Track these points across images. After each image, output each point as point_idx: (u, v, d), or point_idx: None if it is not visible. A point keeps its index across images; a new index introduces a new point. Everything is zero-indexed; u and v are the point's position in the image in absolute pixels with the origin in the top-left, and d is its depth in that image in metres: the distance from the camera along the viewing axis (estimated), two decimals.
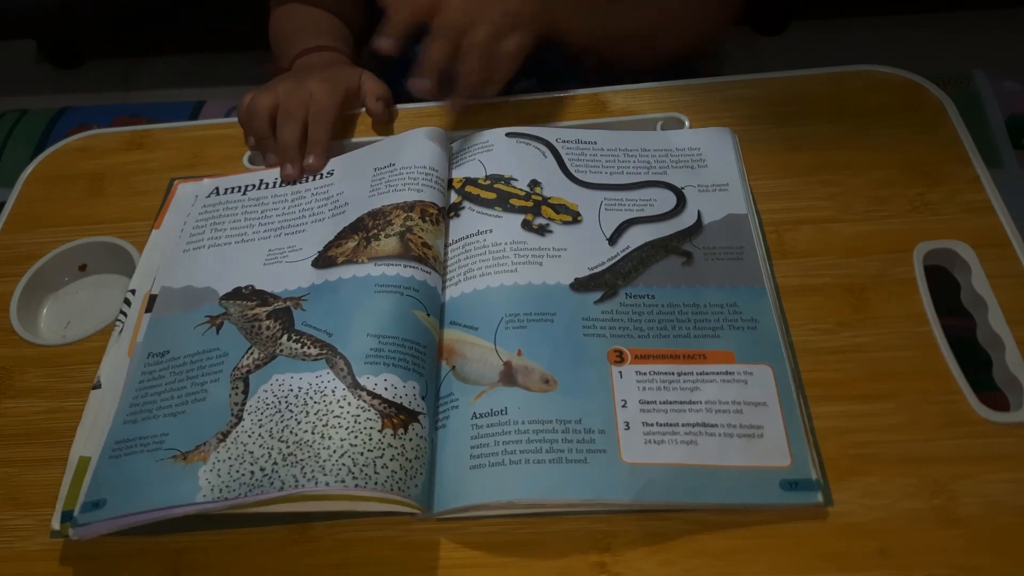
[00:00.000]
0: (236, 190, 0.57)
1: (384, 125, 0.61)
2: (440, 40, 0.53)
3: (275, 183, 0.57)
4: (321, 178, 0.57)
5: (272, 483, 0.40)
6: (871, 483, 0.41)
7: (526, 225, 0.51)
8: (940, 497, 0.40)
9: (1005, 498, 0.40)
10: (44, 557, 0.43)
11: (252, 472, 0.41)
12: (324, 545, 0.42)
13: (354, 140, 0.60)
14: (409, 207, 0.51)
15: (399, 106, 0.62)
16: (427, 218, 0.51)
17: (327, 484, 0.39)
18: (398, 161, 0.54)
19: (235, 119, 0.61)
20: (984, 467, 0.41)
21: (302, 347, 0.45)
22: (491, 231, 0.51)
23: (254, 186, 0.57)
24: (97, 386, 0.47)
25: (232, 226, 0.55)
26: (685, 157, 0.55)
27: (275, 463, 0.41)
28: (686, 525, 0.41)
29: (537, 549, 0.41)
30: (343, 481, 0.39)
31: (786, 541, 0.40)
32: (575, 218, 0.51)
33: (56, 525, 0.42)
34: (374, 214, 0.51)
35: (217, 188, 0.58)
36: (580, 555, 0.40)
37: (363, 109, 0.62)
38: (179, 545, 0.42)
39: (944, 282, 0.49)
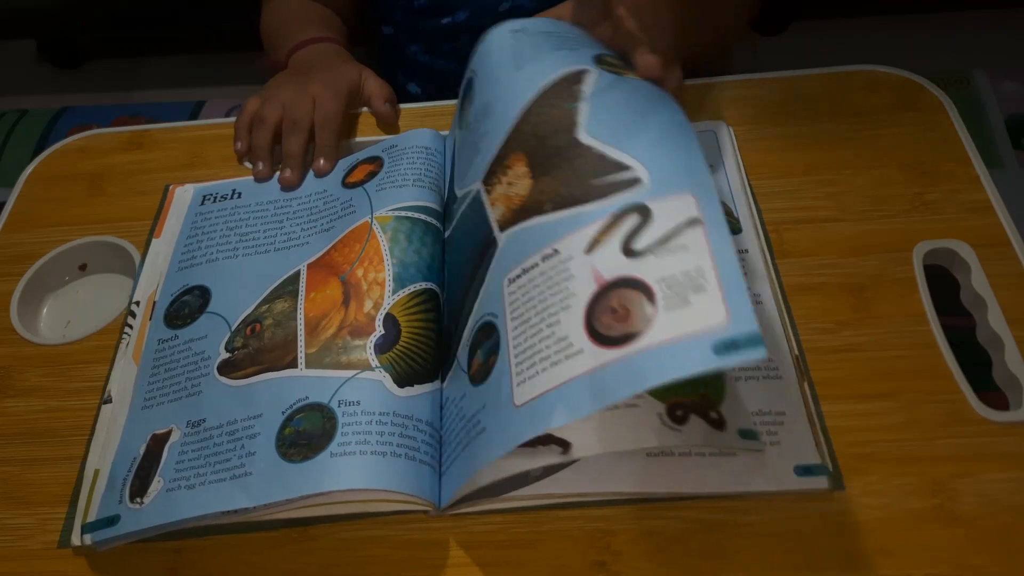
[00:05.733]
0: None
1: (391, 126, 0.61)
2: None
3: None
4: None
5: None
6: (871, 482, 0.41)
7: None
8: (940, 496, 0.40)
9: (1005, 497, 0.40)
10: (45, 556, 0.43)
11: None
12: (322, 544, 0.42)
13: (358, 140, 0.60)
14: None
15: (401, 105, 0.62)
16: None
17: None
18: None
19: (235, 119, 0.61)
20: (984, 466, 0.41)
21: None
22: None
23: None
24: (107, 400, 0.47)
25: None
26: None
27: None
28: (686, 524, 0.41)
29: (536, 548, 0.41)
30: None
31: (786, 540, 0.40)
32: None
33: (77, 540, 0.42)
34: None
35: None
36: (579, 554, 0.40)
37: (365, 109, 0.62)
38: (177, 544, 0.42)
39: (944, 282, 0.49)
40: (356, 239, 0.50)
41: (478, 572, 0.40)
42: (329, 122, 0.57)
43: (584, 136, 0.41)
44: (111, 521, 0.41)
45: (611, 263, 0.36)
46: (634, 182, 0.38)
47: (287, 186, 0.56)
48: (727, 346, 0.31)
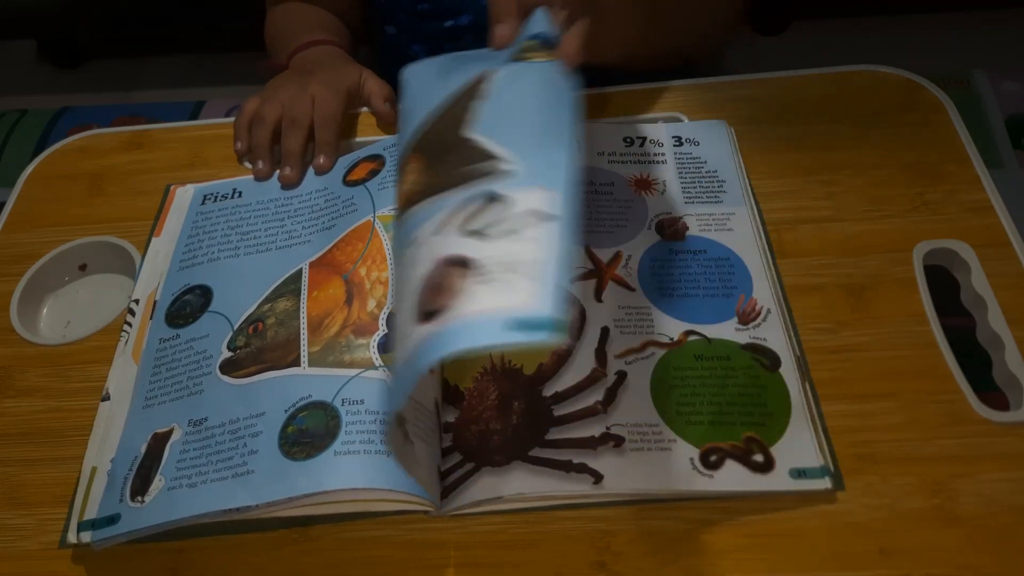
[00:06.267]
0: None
1: (390, 125, 0.61)
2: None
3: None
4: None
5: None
6: (871, 482, 0.41)
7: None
8: (940, 496, 0.40)
9: (1005, 497, 0.40)
10: (44, 557, 0.43)
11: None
12: (323, 545, 0.42)
13: (358, 139, 0.60)
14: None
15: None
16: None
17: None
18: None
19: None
20: (984, 466, 0.41)
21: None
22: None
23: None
24: (106, 398, 0.47)
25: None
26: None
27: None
28: (686, 524, 0.41)
29: (537, 548, 0.41)
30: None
31: (786, 540, 0.40)
32: None
33: (73, 538, 0.42)
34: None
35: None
36: (580, 555, 0.40)
37: (365, 109, 0.62)
38: (179, 544, 0.42)
39: (944, 282, 0.49)
40: (358, 238, 0.50)
41: (479, 572, 0.40)
42: (329, 120, 0.57)
43: (470, 132, 0.41)
44: (112, 520, 0.41)
45: (448, 243, 0.35)
46: (504, 173, 0.37)
47: (287, 184, 0.56)
48: (519, 324, 0.31)
